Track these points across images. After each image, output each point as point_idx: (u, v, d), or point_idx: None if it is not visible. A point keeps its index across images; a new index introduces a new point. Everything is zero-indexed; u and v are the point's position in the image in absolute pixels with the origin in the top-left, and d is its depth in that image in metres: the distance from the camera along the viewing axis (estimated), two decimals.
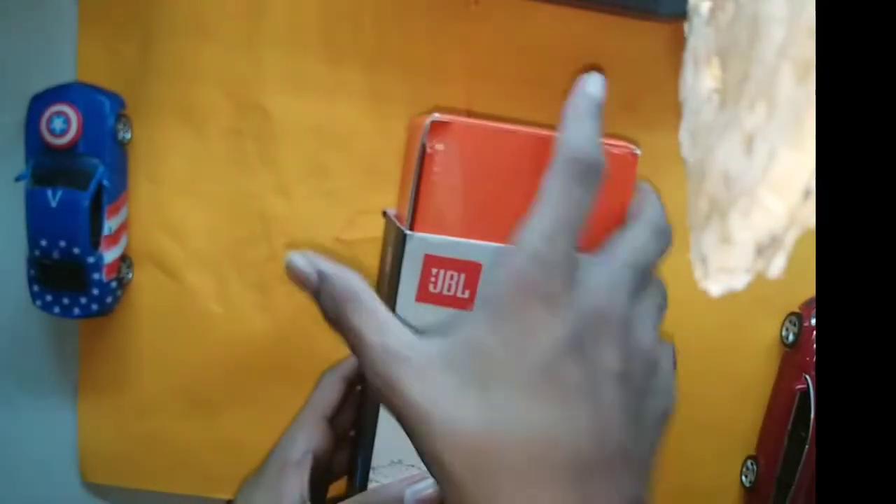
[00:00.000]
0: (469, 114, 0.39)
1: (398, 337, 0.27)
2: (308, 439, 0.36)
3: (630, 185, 0.31)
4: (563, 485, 0.25)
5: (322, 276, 0.29)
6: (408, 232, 0.31)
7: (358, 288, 0.28)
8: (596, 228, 0.29)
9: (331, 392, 0.37)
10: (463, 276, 0.31)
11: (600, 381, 0.26)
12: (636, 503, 0.26)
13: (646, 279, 0.29)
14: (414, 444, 0.26)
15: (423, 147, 0.30)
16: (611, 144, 0.32)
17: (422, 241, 0.31)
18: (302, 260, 0.29)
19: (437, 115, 0.31)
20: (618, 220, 0.31)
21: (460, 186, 0.31)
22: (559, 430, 0.25)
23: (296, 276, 0.29)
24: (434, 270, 0.31)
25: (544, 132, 0.31)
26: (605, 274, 0.27)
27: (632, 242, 0.29)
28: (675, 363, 0.30)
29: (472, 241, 0.31)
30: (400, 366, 0.26)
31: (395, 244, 0.32)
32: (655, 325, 0.29)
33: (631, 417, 0.27)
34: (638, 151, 0.32)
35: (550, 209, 0.27)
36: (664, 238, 0.30)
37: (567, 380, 0.25)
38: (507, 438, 0.24)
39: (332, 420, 0.37)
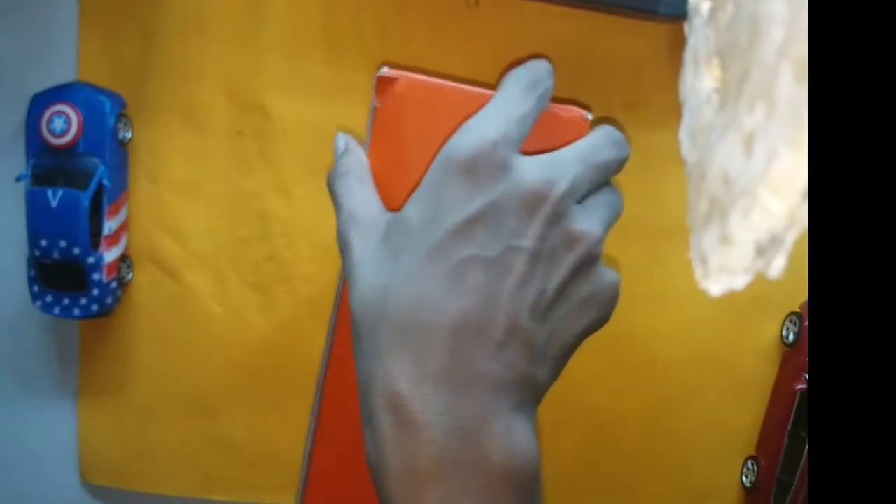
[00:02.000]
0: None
1: (365, 208, 0.30)
2: None
3: None
4: (437, 345, 0.26)
5: (344, 150, 0.32)
6: None
7: (357, 165, 0.31)
8: None
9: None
10: None
11: (510, 256, 0.27)
12: (522, 380, 0.27)
13: (596, 178, 0.29)
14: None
15: (373, 105, 0.31)
16: (561, 108, 0.32)
17: None
18: (342, 138, 0.33)
19: (385, 70, 0.31)
20: None
21: (408, 147, 0.31)
22: (447, 297, 0.26)
23: (334, 146, 0.33)
24: None
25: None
26: (547, 161, 0.28)
27: (581, 142, 0.30)
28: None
29: None
30: (356, 229, 0.29)
31: None
32: (602, 223, 0.29)
33: (539, 299, 0.27)
34: (589, 116, 0.32)
35: (494, 106, 0.29)
36: (618, 146, 0.30)
37: (470, 250, 0.26)
38: (396, 298, 0.26)
39: None
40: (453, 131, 0.30)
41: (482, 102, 0.30)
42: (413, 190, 0.29)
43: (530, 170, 0.27)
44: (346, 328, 0.33)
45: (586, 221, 0.28)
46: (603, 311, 0.29)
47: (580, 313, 0.28)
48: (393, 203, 0.31)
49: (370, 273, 0.28)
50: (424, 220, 0.27)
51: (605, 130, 0.30)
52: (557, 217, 0.27)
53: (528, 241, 0.27)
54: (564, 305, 0.28)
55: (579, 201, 0.29)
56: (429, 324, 0.26)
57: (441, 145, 0.30)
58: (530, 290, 0.27)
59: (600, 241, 0.28)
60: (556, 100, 0.32)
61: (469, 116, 0.30)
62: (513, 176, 0.27)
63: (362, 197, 0.30)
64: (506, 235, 0.27)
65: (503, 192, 0.27)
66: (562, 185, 0.27)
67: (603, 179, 0.30)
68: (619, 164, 0.30)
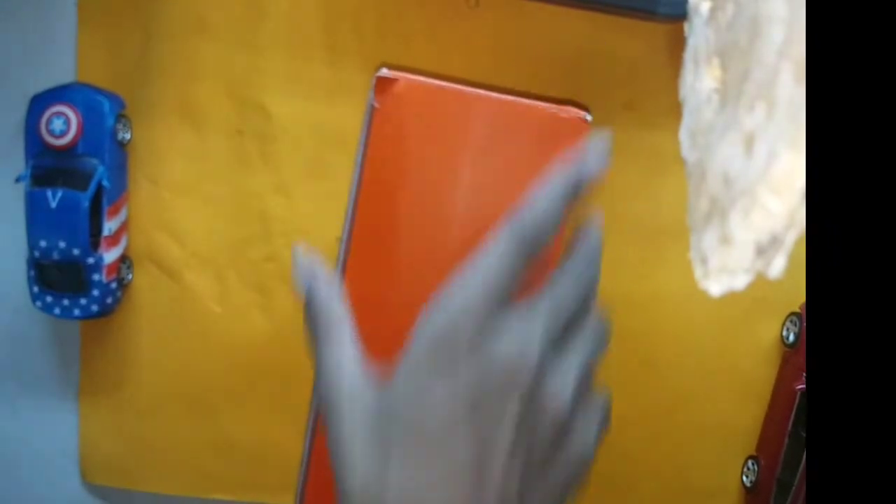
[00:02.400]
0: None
1: (349, 381, 0.29)
2: None
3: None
4: None
5: (310, 295, 0.30)
6: None
7: (335, 320, 0.30)
8: None
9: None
10: None
11: (491, 453, 0.27)
12: None
13: (569, 322, 0.29)
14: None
15: (371, 105, 0.30)
16: (560, 109, 0.32)
17: None
18: (303, 268, 0.31)
19: (384, 71, 0.31)
20: None
21: (407, 149, 0.31)
22: (436, 498, 0.27)
23: (293, 282, 0.31)
24: None
25: (501, 96, 0.31)
26: (517, 332, 0.28)
27: (551, 290, 0.29)
28: (606, 415, 0.30)
29: None
30: (341, 406, 0.28)
31: None
32: (578, 380, 0.29)
33: (523, 485, 0.28)
34: (589, 118, 0.32)
35: (481, 274, 0.28)
36: (592, 267, 0.30)
37: (455, 450, 0.27)
38: (389, 497, 0.27)
39: None
40: (452, 133, 0.30)
41: (481, 104, 0.30)
42: (409, 193, 0.29)
43: (505, 348, 0.28)
44: None
45: (558, 390, 0.28)
46: (575, 485, 0.30)
47: (563, 488, 0.29)
48: (388, 205, 0.30)
49: (361, 461, 0.28)
50: (410, 414, 0.28)
51: (575, 267, 0.30)
52: (533, 389, 0.28)
53: (506, 434, 0.27)
54: (549, 485, 0.29)
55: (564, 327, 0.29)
56: None
57: (439, 147, 0.30)
58: (513, 478, 0.28)
59: (568, 407, 0.29)
60: (555, 100, 0.32)
61: (468, 118, 0.30)
62: (490, 355, 0.27)
63: (346, 357, 0.29)
64: (490, 420, 0.27)
65: (480, 379, 0.27)
66: (532, 359, 0.27)
67: (574, 317, 0.30)
68: (592, 293, 0.30)
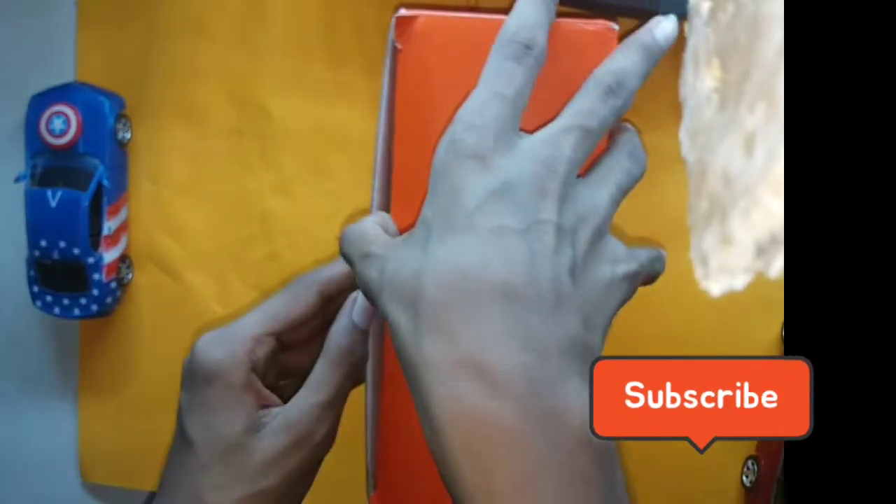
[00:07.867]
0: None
1: (374, 231, 0.30)
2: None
3: None
4: (493, 310, 0.25)
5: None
6: None
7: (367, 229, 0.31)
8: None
9: (299, 303, 0.34)
10: None
11: (536, 226, 0.26)
12: (582, 345, 0.26)
13: (597, 138, 0.29)
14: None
15: (394, 47, 0.30)
16: (585, 23, 0.31)
17: None
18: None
19: (402, 11, 0.30)
20: None
21: (436, 85, 0.30)
22: (488, 262, 0.26)
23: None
24: None
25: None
26: (546, 134, 0.28)
27: (576, 105, 0.28)
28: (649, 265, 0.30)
29: None
30: (370, 240, 0.29)
31: None
32: (610, 195, 0.29)
33: (571, 268, 0.27)
34: (616, 27, 0.31)
35: (483, 85, 0.28)
36: (615, 96, 0.29)
37: (498, 221, 0.26)
38: (435, 277, 0.26)
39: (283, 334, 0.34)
40: (479, 64, 0.29)
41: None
42: (442, 131, 0.29)
43: (533, 146, 0.27)
44: None
45: (590, 198, 0.28)
46: (629, 287, 0.29)
47: (610, 287, 0.28)
48: (425, 144, 0.30)
49: (396, 268, 0.27)
50: (443, 207, 0.27)
51: (600, 84, 0.29)
52: (565, 196, 0.27)
53: (549, 215, 0.27)
54: (596, 280, 0.28)
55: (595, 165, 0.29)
56: (481, 293, 0.25)
57: (468, 81, 0.29)
58: (564, 258, 0.26)
59: (606, 217, 0.28)
60: (577, 15, 0.31)
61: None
62: (520, 153, 0.27)
63: (364, 223, 0.30)
64: (528, 210, 0.27)
65: (512, 168, 0.27)
66: (563, 163, 0.27)
67: (604, 131, 0.29)
68: (617, 116, 0.30)
